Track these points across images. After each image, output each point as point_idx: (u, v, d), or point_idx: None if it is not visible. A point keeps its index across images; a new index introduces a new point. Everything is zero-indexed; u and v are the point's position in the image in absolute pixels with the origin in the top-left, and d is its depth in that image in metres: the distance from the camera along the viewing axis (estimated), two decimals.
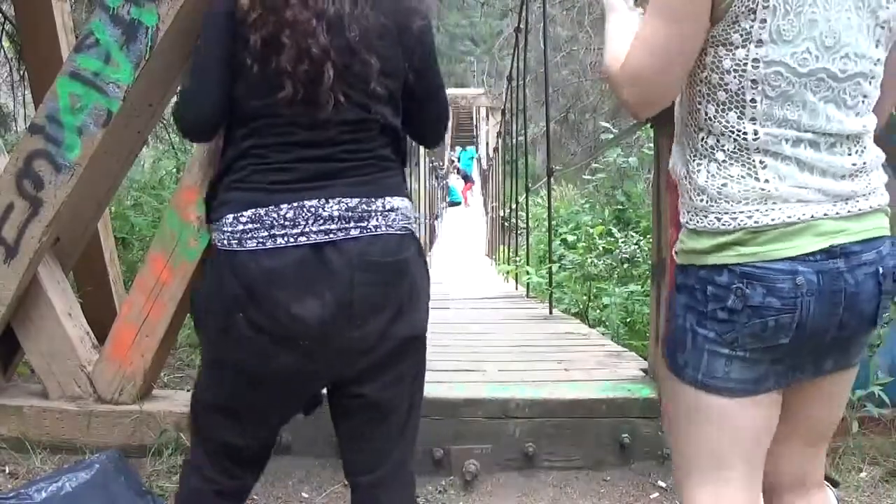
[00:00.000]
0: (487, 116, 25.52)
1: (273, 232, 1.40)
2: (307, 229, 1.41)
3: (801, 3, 1.20)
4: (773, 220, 1.23)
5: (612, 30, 1.36)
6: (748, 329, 1.25)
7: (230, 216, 1.43)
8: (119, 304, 3.48)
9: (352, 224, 1.43)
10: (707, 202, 1.28)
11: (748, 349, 1.27)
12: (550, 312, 5.73)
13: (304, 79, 1.39)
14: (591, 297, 6.25)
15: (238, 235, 1.42)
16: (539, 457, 2.76)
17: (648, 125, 3.31)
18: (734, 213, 1.25)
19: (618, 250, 6.68)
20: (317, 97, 1.40)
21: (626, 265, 6.57)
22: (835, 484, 2.28)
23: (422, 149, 16.75)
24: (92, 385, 2.86)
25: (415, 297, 1.51)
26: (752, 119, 1.24)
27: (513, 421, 2.78)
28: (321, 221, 1.41)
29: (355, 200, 1.44)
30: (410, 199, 1.57)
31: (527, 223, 9.35)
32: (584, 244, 7.52)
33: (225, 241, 1.44)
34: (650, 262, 3.45)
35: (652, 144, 3.90)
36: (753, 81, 1.23)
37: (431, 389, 3.03)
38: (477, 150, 27.70)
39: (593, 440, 2.80)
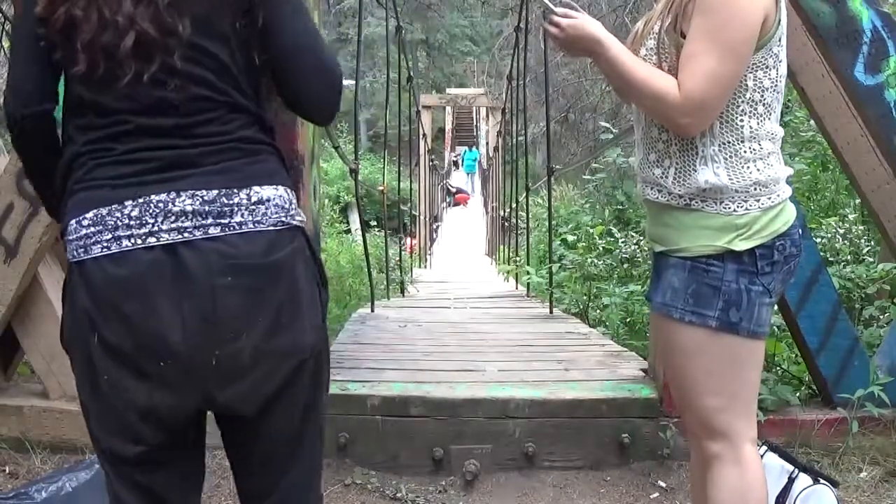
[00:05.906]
0: (487, 116, 25.44)
1: (118, 234, 1.21)
2: (156, 228, 1.21)
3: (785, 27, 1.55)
4: (788, 194, 1.60)
5: (636, 63, 1.53)
6: (781, 275, 1.58)
7: (73, 222, 1.24)
8: None
9: (210, 220, 1.22)
10: (759, 189, 1.54)
11: (776, 294, 1.60)
12: (550, 312, 5.73)
13: (103, 52, 1.19)
14: (591, 297, 6.25)
15: (83, 241, 1.22)
16: (539, 457, 2.76)
17: None
18: (779, 192, 1.57)
19: (618, 250, 6.67)
20: (119, 72, 1.20)
21: (626, 265, 6.57)
22: (835, 484, 2.28)
23: (422, 148, 16.79)
24: None
25: (296, 303, 1.28)
26: (774, 122, 1.57)
27: (513, 421, 2.78)
28: (172, 218, 1.21)
29: (213, 192, 1.23)
30: (290, 188, 1.34)
31: (527, 223, 9.35)
32: (584, 244, 7.52)
33: (74, 252, 1.23)
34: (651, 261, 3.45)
35: None
36: (779, 93, 1.56)
37: (431, 389, 3.06)
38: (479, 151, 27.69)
39: (593, 440, 2.80)
